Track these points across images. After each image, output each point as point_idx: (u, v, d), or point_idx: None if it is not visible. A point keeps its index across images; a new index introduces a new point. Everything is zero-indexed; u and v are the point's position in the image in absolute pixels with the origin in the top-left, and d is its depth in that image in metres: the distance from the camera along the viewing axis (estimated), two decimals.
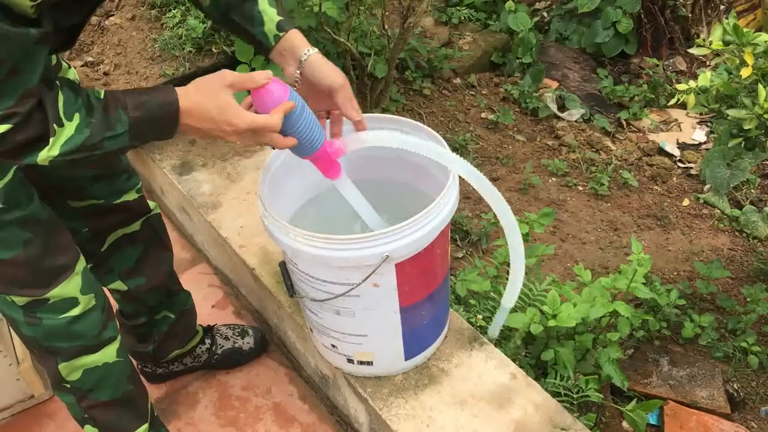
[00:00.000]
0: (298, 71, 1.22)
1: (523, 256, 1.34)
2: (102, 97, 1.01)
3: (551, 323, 1.58)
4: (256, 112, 1.11)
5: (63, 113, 0.98)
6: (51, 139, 0.98)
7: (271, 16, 1.22)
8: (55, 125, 0.97)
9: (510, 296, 1.42)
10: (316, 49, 1.22)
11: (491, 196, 1.24)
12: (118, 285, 1.54)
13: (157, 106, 1.04)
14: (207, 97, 1.05)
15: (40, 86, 0.95)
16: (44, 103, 0.97)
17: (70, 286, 1.26)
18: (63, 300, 1.25)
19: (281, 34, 1.21)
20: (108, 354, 1.36)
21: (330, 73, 1.22)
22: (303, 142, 1.17)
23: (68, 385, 1.37)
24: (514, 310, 1.74)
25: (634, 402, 1.64)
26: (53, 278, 1.24)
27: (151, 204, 1.55)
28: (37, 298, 1.23)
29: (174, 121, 1.05)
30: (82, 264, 1.29)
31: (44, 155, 0.98)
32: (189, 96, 1.05)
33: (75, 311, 1.27)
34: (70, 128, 0.98)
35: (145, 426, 1.53)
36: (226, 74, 1.07)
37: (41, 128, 0.97)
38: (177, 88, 1.06)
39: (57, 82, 0.99)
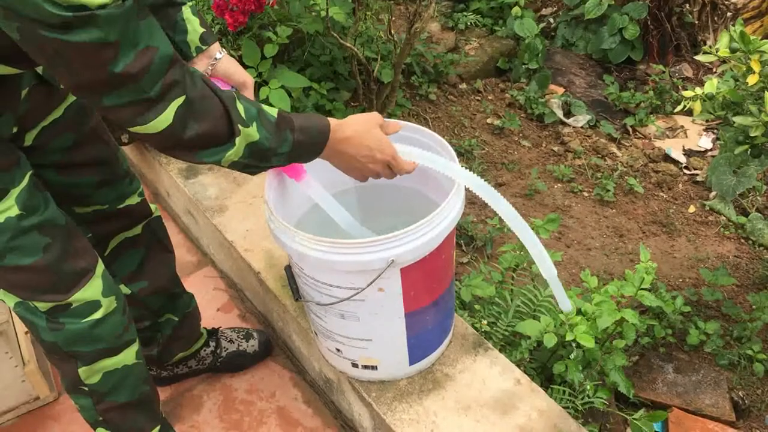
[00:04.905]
0: (210, 67, 1.30)
1: (539, 244, 1.28)
2: (276, 116, 1.11)
3: (568, 336, 1.56)
4: None
5: (245, 117, 1.04)
6: (237, 139, 1.03)
7: (194, 26, 1.27)
8: (239, 125, 1.03)
9: (545, 271, 1.32)
10: (225, 51, 1.33)
11: (462, 178, 1.28)
12: (122, 289, 1.54)
13: (317, 133, 1.17)
14: (365, 129, 1.22)
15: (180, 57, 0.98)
16: (224, 102, 1.01)
17: (92, 290, 1.25)
18: (85, 303, 1.25)
19: (204, 48, 1.29)
20: (128, 356, 1.36)
21: (242, 71, 1.34)
22: None
23: (86, 388, 1.35)
24: (524, 316, 1.74)
25: (642, 411, 1.63)
26: (74, 282, 1.23)
27: (152, 207, 1.56)
28: (60, 303, 1.23)
29: (322, 148, 1.19)
30: (101, 267, 1.29)
31: (231, 155, 1.05)
32: (350, 126, 1.21)
33: (97, 314, 1.26)
34: (253, 131, 1.05)
35: (158, 428, 1.53)
36: (376, 116, 1.26)
37: (225, 125, 1.02)
38: (331, 120, 1.19)
39: (233, 90, 1.07)
